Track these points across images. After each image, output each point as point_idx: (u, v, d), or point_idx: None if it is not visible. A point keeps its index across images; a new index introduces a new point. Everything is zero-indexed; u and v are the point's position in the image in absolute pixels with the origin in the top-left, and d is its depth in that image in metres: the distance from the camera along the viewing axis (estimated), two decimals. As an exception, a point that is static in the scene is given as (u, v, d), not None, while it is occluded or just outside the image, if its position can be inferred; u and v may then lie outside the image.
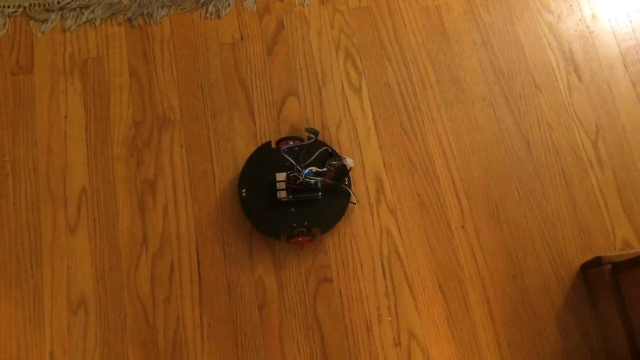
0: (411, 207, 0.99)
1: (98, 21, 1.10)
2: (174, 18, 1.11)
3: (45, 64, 1.07)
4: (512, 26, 1.11)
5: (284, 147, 0.96)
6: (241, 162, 1.00)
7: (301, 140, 0.98)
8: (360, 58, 1.09)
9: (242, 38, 1.10)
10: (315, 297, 0.94)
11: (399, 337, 0.92)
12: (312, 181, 0.92)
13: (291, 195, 0.94)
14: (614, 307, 0.87)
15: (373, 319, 0.93)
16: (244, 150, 1.02)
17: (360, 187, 1.00)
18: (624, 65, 1.08)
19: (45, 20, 1.09)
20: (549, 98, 1.06)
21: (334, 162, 0.93)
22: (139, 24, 1.10)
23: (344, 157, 0.95)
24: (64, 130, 1.03)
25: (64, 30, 1.10)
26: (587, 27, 1.11)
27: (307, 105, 1.05)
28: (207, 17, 1.11)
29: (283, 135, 1.02)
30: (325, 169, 0.93)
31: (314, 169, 0.93)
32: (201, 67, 1.08)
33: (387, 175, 1.01)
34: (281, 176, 0.94)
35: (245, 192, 0.95)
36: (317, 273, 0.95)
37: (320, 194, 0.94)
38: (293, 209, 0.94)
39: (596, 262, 0.90)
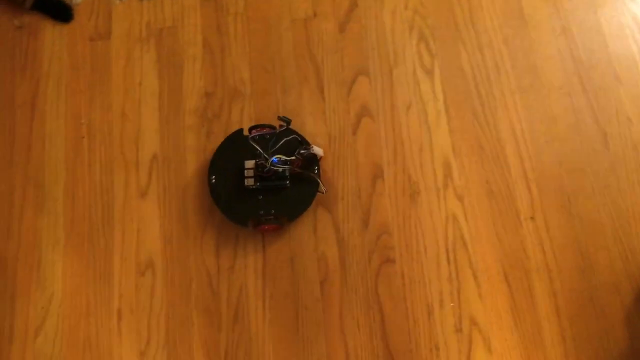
0: (479, 194, 0.98)
1: (175, -9, 1.11)
2: (249, -9, 1.11)
3: (122, 31, 1.10)
4: (594, 15, 1.07)
5: (254, 134, 0.95)
6: (310, 139, 1.01)
7: (268, 127, 0.97)
8: (434, 40, 1.07)
9: (314, 15, 1.10)
10: (377, 277, 0.94)
11: (460, 324, 0.91)
12: (280, 169, 0.92)
13: (259, 182, 0.94)
14: (688, 310, 0.84)
15: (435, 303, 0.93)
16: (312, 127, 1.02)
17: (428, 171, 0.99)
18: None
19: (124, -11, 1.12)
20: (630, 91, 1.02)
21: (303, 151, 0.93)
22: (214, -4, 1.11)
23: (312, 146, 0.94)
24: (139, 96, 1.05)
25: (141, -1, 1.12)
26: (676, 18, 1.06)
27: (378, 85, 1.05)
28: (282, -8, 1.11)
29: (352, 115, 1.02)
30: (293, 158, 0.92)
31: (282, 157, 0.92)
32: (273, 41, 1.08)
33: (455, 160, 1.00)
34: (250, 164, 0.94)
35: (214, 179, 0.96)
36: (381, 253, 0.95)
37: (288, 182, 0.94)
38: (261, 197, 0.94)
39: (673, 263, 0.87)
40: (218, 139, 1.02)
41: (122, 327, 0.94)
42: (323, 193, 0.97)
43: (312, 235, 0.97)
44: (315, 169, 0.96)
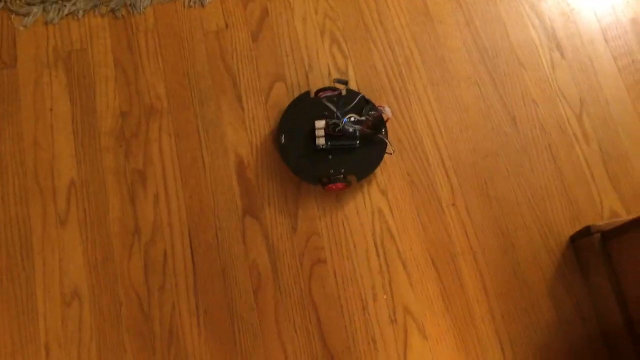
0: (402, 186, 1.00)
1: (81, 13, 1.09)
2: (158, 7, 1.10)
3: (28, 58, 1.06)
4: (494, 6, 1.12)
5: (323, 95, 0.97)
6: (231, 149, 1.01)
7: (335, 90, 0.99)
8: (346, 42, 1.09)
9: (226, 26, 1.10)
10: (310, 279, 0.95)
11: (394, 314, 0.93)
12: (351, 129, 0.94)
13: (329, 142, 0.95)
14: (604, 275, 0.88)
15: (368, 297, 0.94)
16: (234, 136, 1.02)
17: (351, 169, 1.01)
18: (605, 40, 1.10)
19: (27, 14, 1.08)
20: (533, 75, 1.07)
21: (372, 112, 0.95)
22: (122, 15, 1.09)
23: (382, 106, 0.96)
24: (50, 123, 1.02)
25: (46, 24, 1.09)
26: (568, 4, 1.12)
27: (295, 90, 1.06)
28: (191, 6, 1.10)
29: (272, 122, 1.02)
30: (363, 118, 0.94)
31: (353, 117, 0.94)
32: (187, 55, 1.08)
33: (376, 156, 1.01)
34: (320, 124, 0.95)
35: (284, 138, 0.97)
36: (311, 255, 0.96)
37: (358, 142, 0.96)
38: (330, 156, 0.96)
39: (585, 232, 0.92)
40: (137, 159, 1.00)
41: (52, 363, 0.90)
42: (391, 154, 0.98)
43: (242, 244, 0.96)
44: (382, 130, 0.97)
